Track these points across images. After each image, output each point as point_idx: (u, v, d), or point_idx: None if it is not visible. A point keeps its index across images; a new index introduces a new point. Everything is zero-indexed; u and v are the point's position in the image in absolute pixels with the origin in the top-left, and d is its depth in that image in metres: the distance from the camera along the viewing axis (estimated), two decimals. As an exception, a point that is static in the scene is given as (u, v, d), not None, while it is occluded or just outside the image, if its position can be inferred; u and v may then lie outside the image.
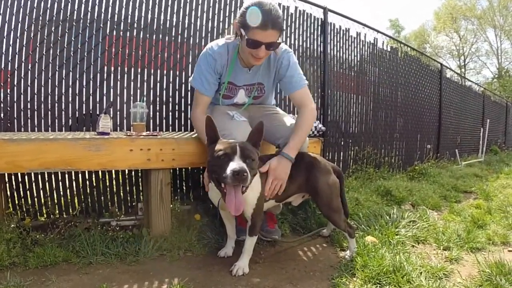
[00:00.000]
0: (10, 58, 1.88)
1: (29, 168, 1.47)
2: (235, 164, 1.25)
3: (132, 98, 2.12)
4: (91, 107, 2.03)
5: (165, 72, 2.22)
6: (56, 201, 2.01)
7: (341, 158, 3.37)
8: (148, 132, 1.89)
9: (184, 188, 2.29)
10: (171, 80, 2.25)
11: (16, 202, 1.95)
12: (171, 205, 1.84)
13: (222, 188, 1.32)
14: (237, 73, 1.74)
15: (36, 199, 2.00)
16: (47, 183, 2.00)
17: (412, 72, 4.45)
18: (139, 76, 2.15)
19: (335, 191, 1.65)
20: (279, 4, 2.68)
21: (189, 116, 2.28)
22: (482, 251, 1.87)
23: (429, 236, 1.99)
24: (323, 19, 3.06)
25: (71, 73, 1.98)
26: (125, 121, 2.11)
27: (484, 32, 24.19)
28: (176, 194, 2.23)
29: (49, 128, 1.97)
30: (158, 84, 2.21)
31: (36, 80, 1.92)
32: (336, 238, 1.89)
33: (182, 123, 2.31)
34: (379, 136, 3.85)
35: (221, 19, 2.40)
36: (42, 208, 2.00)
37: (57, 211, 2.00)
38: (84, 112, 2.03)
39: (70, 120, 2.00)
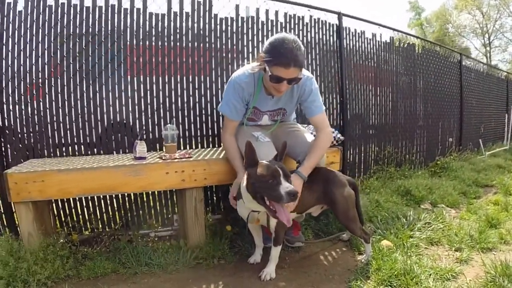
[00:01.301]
0: (34, 75, 2.10)
1: (77, 193, 1.76)
2: (288, 185, 1.44)
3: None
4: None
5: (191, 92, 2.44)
6: (99, 216, 2.27)
7: (362, 156, 3.48)
8: (180, 152, 2.11)
9: (215, 199, 2.51)
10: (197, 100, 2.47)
11: (63, 219, 2.19)
12: (204, 216, 2.07)
13: (268, 206, 1.51)
14: (261, 100, 1.90)
15: (80, 216, 2.24)
16: (90, 201, 2.24)
17: (431, 66, 4.43)
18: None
19: (351, 202, 1.81)
20: (294, 15, 2.84)
21: (215, 133, 2.52)
22: (493, 251, 1.98)
23: (443, 237, 2.12)
24: (338, 24, 3.15)
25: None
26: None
27: (507, 7, 22.88)
28: (207, 205, 2.46)
29: (75, 139, 2.20)
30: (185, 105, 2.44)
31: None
32: (355, 243, 2.05)
33: (210, 140, 2.54)
34: (399, 135, 3.91)
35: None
36: (87, 223, 2.26)
37: (100, 226, 2.27)
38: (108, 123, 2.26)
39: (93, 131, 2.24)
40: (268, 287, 1.66)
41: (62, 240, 1.81)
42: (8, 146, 2.07)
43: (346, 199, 1.79)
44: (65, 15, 2.13)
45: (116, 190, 1.80)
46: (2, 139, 2.04)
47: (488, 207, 2.80)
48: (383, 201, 2.79)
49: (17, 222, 1.98)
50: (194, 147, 2.48)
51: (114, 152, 2.28)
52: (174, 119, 2.37)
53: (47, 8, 2.09)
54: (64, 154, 2.18)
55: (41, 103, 2.13)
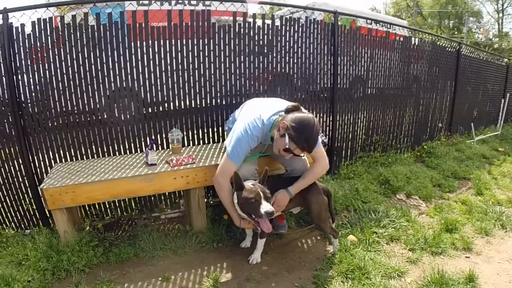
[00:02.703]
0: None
1: (103, 199, 2.20)
2: (267, 206, 1.85)
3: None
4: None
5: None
6: (117, 204, 2.72)
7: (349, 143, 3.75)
8: (183, 156, 2.43)
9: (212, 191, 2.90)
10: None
11: (87, 209, 2.62)
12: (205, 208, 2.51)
13: (254, 218, 1.93)
14: (267, 149, 2.19)
15: (102, 204, 2.66)
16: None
17: (426, 56, 4.52)
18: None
19: (323, 207, 2.21)
20: (292, 14, 3.00)
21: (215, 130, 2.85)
22: (442, 255, 2.26)
23: (403, 235, 2.48)
24: (333, 23, 3.25)
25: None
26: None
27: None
28: (209, 192, 2.88)
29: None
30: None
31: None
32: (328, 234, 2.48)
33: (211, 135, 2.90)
34: (386, 124, 4.12)
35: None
36: (107, 210, 2.71)
37: (119, 212, 2.72)
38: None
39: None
40: (254, 269, 2.13)
41: (88, 228, 2.26)
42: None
43: (319, 205, 2.19)
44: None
45: (135, 194, 2.22)
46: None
47: (456, 205, 3.08)
48: (363, 189, 3.16)
49: (50, 222, 2.44)
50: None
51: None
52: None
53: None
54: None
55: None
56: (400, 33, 4.64)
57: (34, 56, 2.33)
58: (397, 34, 4.21)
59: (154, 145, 2.46)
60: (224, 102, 2.84)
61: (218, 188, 2.09)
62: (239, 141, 2.01)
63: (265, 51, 2.91)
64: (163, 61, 2.60)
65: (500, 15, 23.79)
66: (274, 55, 2.97)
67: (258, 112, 2.10)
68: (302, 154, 2.00)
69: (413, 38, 4.36)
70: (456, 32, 28.52)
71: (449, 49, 4.98)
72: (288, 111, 2.00)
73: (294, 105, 2.02)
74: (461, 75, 5.30)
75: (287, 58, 3.04)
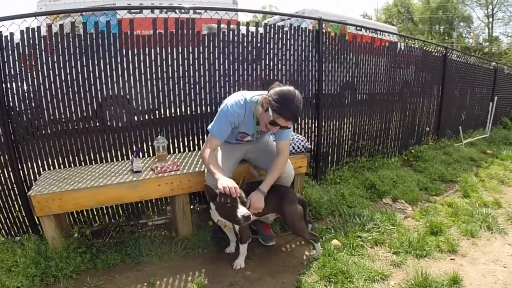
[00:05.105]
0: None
1: (89, 206, 2.23)
2: (243, 210, 1.87)
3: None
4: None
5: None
6: (105, 211, 2.72)
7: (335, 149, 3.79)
8: (168, 163, 2.44)
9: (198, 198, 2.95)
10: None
11: (75, 216, 2.64)
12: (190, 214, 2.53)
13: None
14: (248, 126, 2.22)
15: (90, 211, 2.66)
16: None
17: (413, 61, 4.61)
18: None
19: (298, 216, 2.23)
20: (275, 25, 3.07)
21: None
22: (427, 258, 2.26)
23: (387, 238, 2.49)
24: (317, 30, 3.30)
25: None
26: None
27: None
28: (195, 198, 2.91)
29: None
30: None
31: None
32: (312, 238, 2.52)
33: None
34: (373, 128, 4.15)
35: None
36: (95, 217, 2.71)
37: (107, 219, 2.73)
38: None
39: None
40: (238, 274, 2.14)
41: (76, 234, 2.28)
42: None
43: (293, 214, 2.21)
44: None
45: (120, 200, 2.24)
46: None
47: (442, 208, 3.11)
48: (348, 194, 3.19)
49: (39, 229, 2.44)
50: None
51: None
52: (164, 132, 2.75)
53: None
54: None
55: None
56: (387, 39, 4.72)
57: (23, 65, 2.35)
58: (383, 39, 4.28)
59: (140, 153, 2.48)
60: (209, 110, 2.88)
61: (202, 159, 2.16)
62: (219, 117, 2.13)
63: (250, 58, 2.96)
64: (148, 69, 2.64)
65: (490, 19, 24.39)
66: (259, 62, 3.02)
67: (241, 94, 2.20)
68: (288, 125, 2.03)
69: (399, 44, 4.43)
70: (446, 37, 28.95)
71: (436, 54, 5.07)
72: (269, 89, 2.05)
73: (275, 84, 2.07)
74: (448, 79, 5.38)
75: (272, 65, 3.09)
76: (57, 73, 2.43)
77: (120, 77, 2.57)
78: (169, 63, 2.69)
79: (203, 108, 2.87)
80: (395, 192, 3.41)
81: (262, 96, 2.08)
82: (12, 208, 2.52)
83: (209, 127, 2.17)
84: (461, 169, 4.35)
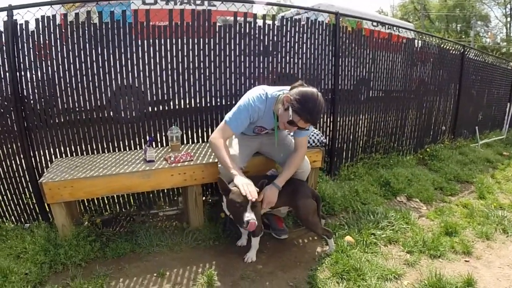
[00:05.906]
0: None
1: (101, 194, 2.22)
2: (251, 216, 1.84)
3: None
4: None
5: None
6: (116, 200, 2.73)
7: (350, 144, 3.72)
8: (181, 153, 2.44)
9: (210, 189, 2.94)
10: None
11: (86, 204, 2.64)
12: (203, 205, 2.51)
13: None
14: (268, 121, 2.18)
15: (101, 200, 2.67)
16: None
17: (430, 58, 4.48)
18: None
19: (311, 211, 2.19)
20: (291, 18, 3.01)
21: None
22: (441, 258, 2.23)
23: (401, 237, 2.45)
24: (334, 24, 3.24)
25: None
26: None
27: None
28: (208, 189, 2.89)
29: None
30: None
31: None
32: (324, 233, 2.48)
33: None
34: (389, 125, 4.10)
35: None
36: (106, 206, 2.73)
37: (118, 208, 2.74)
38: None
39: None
40: (249, 268, 2.12)
41: (87, 223, 2.28)
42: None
43: (307, 208, 2.17)
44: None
45: (132, 190, 2.23)
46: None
47: (457, 208, 3.04)
48: (362, 191, 3.14)
49: (49, 217, 2.46)
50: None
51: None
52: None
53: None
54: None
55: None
56: (404, 35, 4.62)
57: (37, 53, 2.36)
58: (400, 36, 4.18)
59: (153, 143, 2.47)
60: (223, 102, 2.85)
61: (213, 147, 2.07)
62: (239, 109, 2.06)
63: (266, 51, 2.92)
64: (163, 59, 2.62)
65: (508, 19, 23.71)
66: (275, 55, 2.97)
67: (262, 88, 2.14)
68: (306, 127, 1.99)
69: (416, 40, 4.32)
70: (463, 36, 28.27)
71: (454, 52, 4.94)
72: (292, 88, 2.01)
73: (298, 83, 2.03)
74: (466, 78, 5.25)
75: (288, 58, 3.04)
76: (71, 61, 2.44)
77: (135, 67, 2.57)
78: (185, 53, 2.67)
79: (218, 100, 2.84)
80: (409, 190, 3.35)
81: (283, 93, 2.04)
82: (22, 195, 2.54)
83: (227, 118, 2.09)
84: (477, 170, 4.26)
